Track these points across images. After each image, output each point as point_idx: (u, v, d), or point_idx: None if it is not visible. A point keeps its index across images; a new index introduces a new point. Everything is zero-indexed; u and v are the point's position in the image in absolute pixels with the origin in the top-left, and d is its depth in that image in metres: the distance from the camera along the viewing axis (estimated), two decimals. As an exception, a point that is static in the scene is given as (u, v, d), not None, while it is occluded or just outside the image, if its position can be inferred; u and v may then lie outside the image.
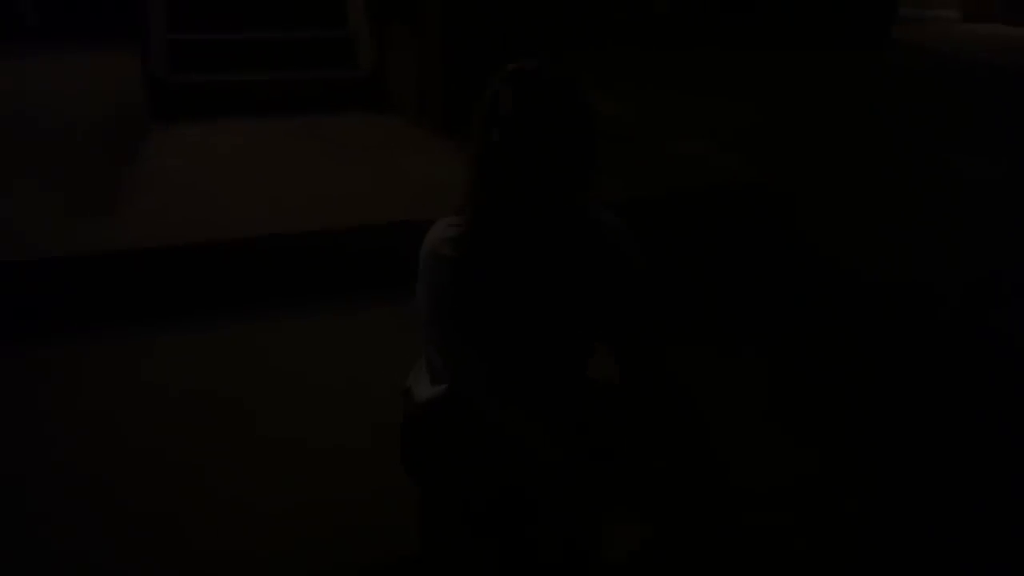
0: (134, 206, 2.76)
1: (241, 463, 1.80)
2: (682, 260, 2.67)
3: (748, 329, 2.57)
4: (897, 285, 2.94)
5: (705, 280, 2.79)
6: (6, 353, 2.20)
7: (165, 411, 1.98)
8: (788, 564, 1.59)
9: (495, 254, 1.30)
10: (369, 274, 2.61)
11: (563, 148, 1.23)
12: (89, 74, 4.68)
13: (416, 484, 1.42)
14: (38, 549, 1.54)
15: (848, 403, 2.21)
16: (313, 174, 3.16)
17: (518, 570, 1.27)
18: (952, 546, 1.68)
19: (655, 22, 7.27)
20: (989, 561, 1.66)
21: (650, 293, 1.37)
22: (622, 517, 1.41)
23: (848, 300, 2.85)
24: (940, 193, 3.93)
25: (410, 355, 1.50)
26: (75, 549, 1.54)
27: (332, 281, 2.61)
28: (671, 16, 7.32)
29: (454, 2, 3.54)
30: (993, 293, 2.85)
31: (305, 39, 4.28)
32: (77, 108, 3.95)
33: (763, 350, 2.46)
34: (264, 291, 2.55)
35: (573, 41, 4.59)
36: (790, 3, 7.69)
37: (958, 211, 3.69)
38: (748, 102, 5.44)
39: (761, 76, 6.33)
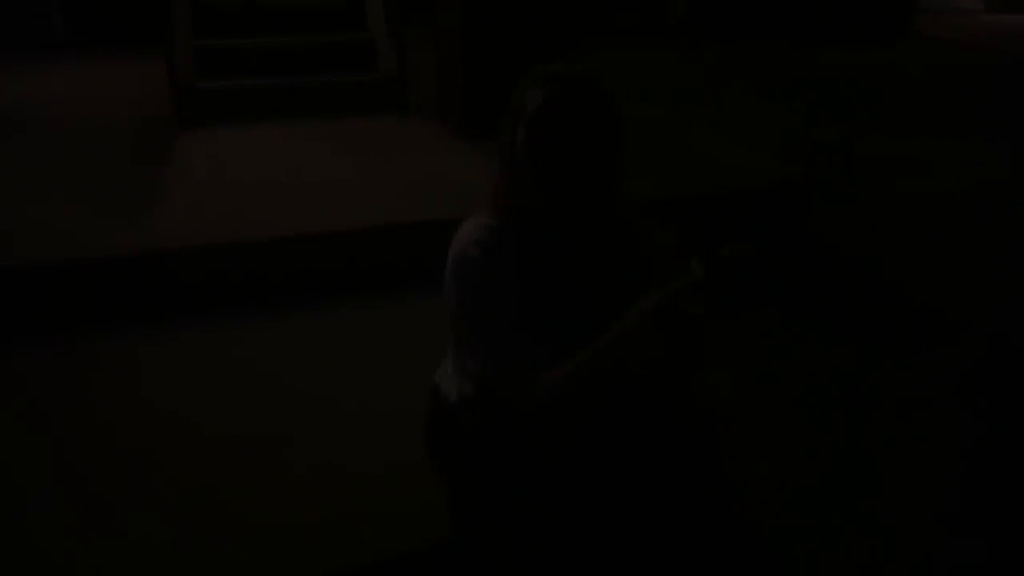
0: (160, 209, 2.84)
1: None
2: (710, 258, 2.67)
3: (776, 327, 2.57)
4: (924, 286, 2.93)
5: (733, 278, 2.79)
6: (40, 351, 2.28)
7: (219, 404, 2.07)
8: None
9: (524, 252, 1.31)
10: (393, 273, 2.66)
11: (591, 148, 1.25)
12: (118, 82, 4.79)
13: (444, 479, 1.45)
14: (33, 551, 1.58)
15: (873, 401, 2.22)
16: (337, 175, 3.22)
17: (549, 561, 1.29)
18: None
19: (673, 24, 7.29)
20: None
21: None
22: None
23: (872, 299, 2.85)
24: (961, 191, 3.90)
25: (434, 349, 1.54)
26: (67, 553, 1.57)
27: (355, 280, 2.66)
28: (688, 18, 7.32)
29: (473, 6, 3.58)
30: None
31: (326, 43, 4.34)
32: (106, 115, 4.05)
33: (787, 348, 2.47)
34: (287, 290, 2.60)
35: (592, 43, 4.60)
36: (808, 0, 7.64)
37: (980, 208, 3.67)
38: (771, 100, 5.44)
39: (783, 73, 6.31)
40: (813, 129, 4.77)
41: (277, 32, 4.34)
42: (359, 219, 2.77)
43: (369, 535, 1.61)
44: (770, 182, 3.33)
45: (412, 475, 1.67)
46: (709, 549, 1.22)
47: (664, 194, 3.05)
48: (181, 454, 1.86)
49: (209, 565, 1.55)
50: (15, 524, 1.65)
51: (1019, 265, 3.07)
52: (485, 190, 1.35)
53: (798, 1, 7.54)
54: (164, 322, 2.43)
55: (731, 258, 1.11)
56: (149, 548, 1.58)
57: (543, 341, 1.28)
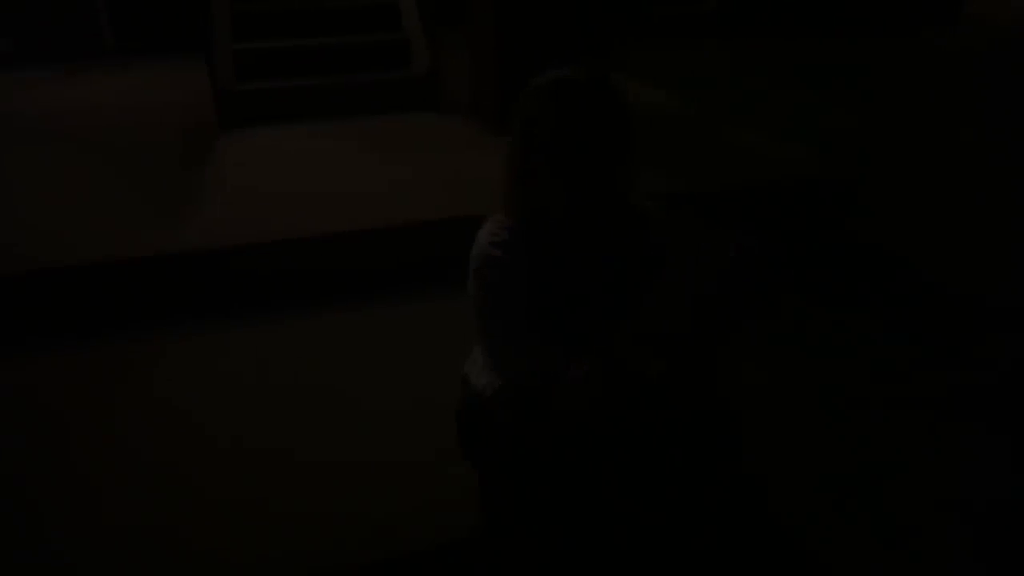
0: (202, 209, 2.90)
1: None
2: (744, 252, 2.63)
3: (805, 322, 2.52)
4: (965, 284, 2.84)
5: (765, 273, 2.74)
6: (86, 349, 2.35)
7: (247, 401, 2.11)
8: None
9: (541, 250, 1.33)
10: (426, 269, 2.67)
11: (605, 150, 1.25)
12: (164, 87, 4.91)
13: (475, 468, 1.47)
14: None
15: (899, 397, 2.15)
16: (372, 173, 3.24)
17: (578, 554, 1.30)
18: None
19: (709, 14, 7.14)
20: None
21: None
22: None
23: (910, 297, 2.76)
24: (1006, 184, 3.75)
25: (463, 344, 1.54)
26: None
27: (388, 277, 2.69)
28: (722, 8, 7.16)
29: (507, 4, 3.56)
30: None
31: (361, 43, 4.38)
32: (150, 119, 4.15)
33: (818, 342, 2.41)
34: (319, 288, 2.64)
35: (626, 38, 4.54)
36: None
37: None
38: (809, 91, 5.30)
39: (821, 64, 6.14)
40: (852, 122, 4.64)
41: (313, 33, 4.39)
42: (393, 216, 2.79)
43: (398, 527, 1.63)
44: (807, 175, 3.25)
45: (443, 468, 1.69)
46: (738, 546, 1.22)
47: (697, 189, 3.00)
48: (198, 454, 1.89)
49: (230, 566, 1.57)
50: (29, 526, 1.69)
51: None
52: (501, 190, 1.37)
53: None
54: (192, 322, 2.48)
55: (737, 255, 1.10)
56: (166, 548, 1.61)
57: (562, 336, 1.28)
